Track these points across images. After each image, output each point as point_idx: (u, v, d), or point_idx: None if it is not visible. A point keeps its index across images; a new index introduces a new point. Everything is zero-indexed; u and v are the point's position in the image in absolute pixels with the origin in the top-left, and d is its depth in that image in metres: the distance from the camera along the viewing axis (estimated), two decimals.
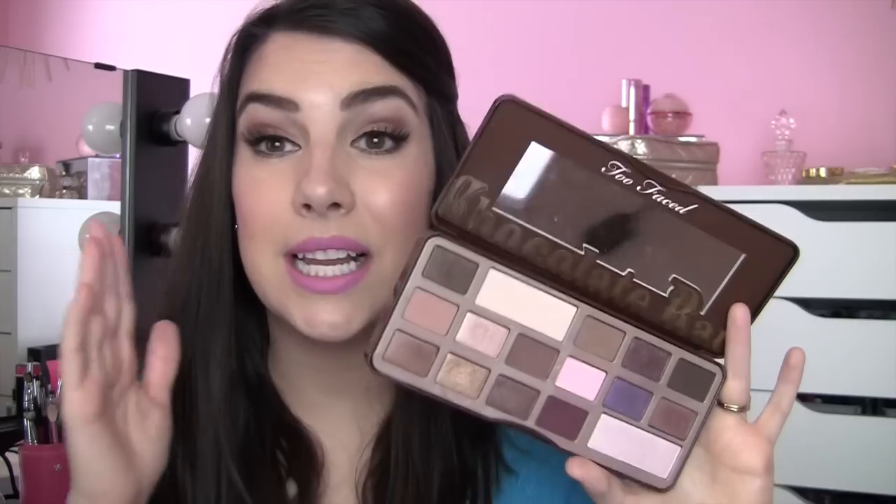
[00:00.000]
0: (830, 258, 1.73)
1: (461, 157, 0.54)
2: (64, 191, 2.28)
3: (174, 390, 0.65)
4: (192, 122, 1.34)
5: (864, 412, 1.77)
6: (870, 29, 2.24)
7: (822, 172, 1.98)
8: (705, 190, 1.87)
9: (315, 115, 0.63)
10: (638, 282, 0.58)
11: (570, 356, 0.58)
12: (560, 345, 0.58)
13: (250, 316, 0.72)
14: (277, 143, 0.65)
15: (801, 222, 1.73)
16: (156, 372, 0.63)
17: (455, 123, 0.72)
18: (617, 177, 0.55)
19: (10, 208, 1.93)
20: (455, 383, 0.56)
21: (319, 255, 0.63)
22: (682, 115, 2.23)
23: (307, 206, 0.62)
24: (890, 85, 2.23)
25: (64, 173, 2.29)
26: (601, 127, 2.38)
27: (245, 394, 0.70)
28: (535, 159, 0.54)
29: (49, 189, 2.27)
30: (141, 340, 0.63)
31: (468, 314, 0.56)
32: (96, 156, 2.11)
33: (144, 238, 1.41)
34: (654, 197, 0.56)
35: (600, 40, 2.53)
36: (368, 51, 0.65)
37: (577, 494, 0.67)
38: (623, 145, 2.04)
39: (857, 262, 1.72)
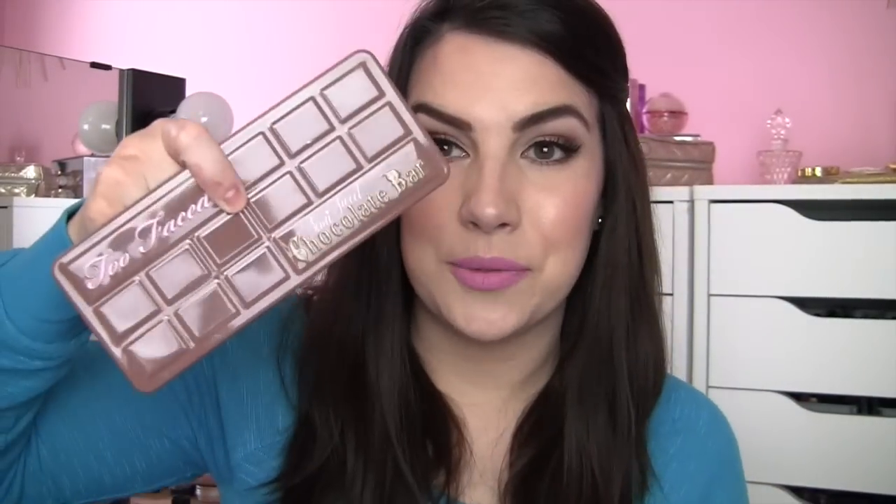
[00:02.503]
0: (826, 258, 1.73)
1: None
2: (59, 190, 2.27)
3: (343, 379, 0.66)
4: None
5: (859, 412, 1.76)
6: (866, 28, 2.24)
7: (818, 172, 1.97)
8: (703, 190, 1.88)
9: (486, 135, 0.62)
10: None
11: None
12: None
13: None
14: (446, 147, 0.63)
15: (796, 221, 1.73)
16: None
17: (625, 123, 0.71)
18: None
19: (5, 207, 1.92)
20: None
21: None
22: (678, 114, 2.23)
23: (474, 223, 0.61)
24: (886, 84, 2.23)
25: (59, 172, 2.28)
26: None
27: (412, 386, 0.69)
28: None
29: (45, 188, 2.26)
30: None
31: None
32: (92, 155, 2.11)
33: None
34: None
35: None
36: (545, 60, 0.63)
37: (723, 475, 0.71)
38: None
39: (853, 262, 1.72)
